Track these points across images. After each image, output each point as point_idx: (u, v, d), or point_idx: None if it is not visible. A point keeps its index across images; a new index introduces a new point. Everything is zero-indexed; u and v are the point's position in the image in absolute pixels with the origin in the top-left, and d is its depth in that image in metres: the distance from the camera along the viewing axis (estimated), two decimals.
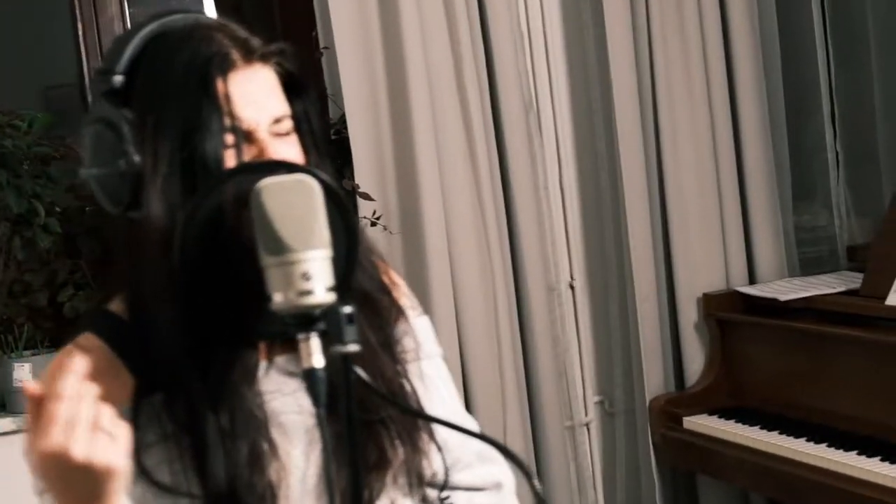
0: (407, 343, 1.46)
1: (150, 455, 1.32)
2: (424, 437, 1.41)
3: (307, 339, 1.19)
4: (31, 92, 4.01)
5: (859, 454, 2.65)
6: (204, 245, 1.24)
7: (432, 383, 1.49)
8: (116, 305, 1.40)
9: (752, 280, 3.37)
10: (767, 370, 3.12)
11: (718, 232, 3.35)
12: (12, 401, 3.05)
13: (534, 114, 3.31)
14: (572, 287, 3.43)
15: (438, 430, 1.43)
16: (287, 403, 1.37)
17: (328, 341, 1.18)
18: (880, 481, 2.54)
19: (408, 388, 1.42)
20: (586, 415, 3.45)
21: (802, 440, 2.80)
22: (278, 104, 1.35)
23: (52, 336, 3.20)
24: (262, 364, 1.38)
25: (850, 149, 3.53)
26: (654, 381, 3.32)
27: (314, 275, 1.19)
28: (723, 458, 3.02)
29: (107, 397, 1.27)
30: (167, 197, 1.29)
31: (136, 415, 1.32)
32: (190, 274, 1.24)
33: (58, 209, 3.23)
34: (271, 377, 1.38)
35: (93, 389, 1.15)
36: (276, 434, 1.35)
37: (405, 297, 1.52)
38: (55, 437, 1.14)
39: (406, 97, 3.06)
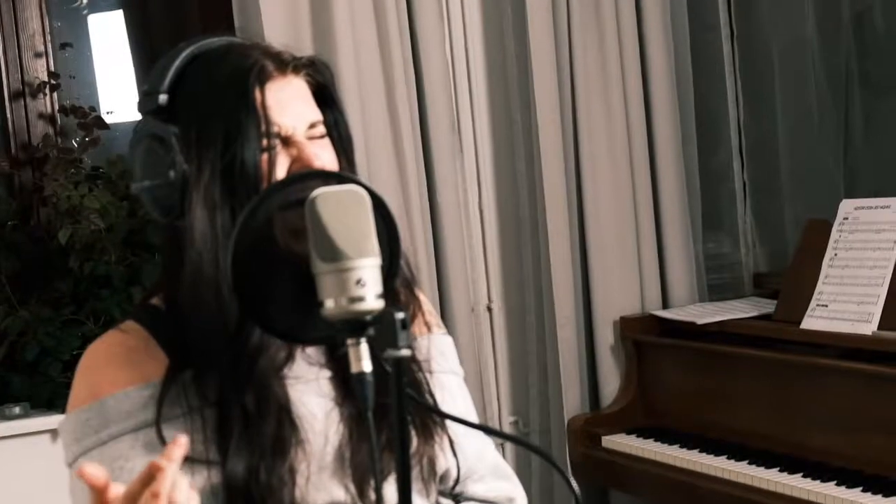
0: (429, 353, 1.53)
1: (174, 427, 1.40)
2: (438, 430, 1.47)
3: (357, 344, 1.24)
4: None
5: (781, 471, 2.77)
6: (254, 251, 1.28)
7: (451, 396, 1.55)
8: (157, 301, 1.50)
9: (665, 305, 3.50)
10: (683, 391, 3.24)
11: (634, 257, 3.47)
12: None
13: (456, 135, 3.39)
14: (490, 309, 3.51)
15: (456, 438, 1.49)
16: (310, 387, 1.46)
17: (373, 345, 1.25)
18: (804, 496, 2.66)
19: (424, 385, 1.48)
20: None
21: (723, 458, 2.92)
22: (312, 111, 1.45)
23: None
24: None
25: (755, 180, 3.69)
26: (572, 401, 3.41)
27: (367, 282, 1.24)
28: (641, 475, 3.12)
29: (138, 371, 1.42)
30: (208, 201, 1.38)
31: (166, 389, 1.41)
32: (238, 277, 1.28)
33: None
34: (298, 364, 1.47)
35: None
36: (295, 415, 1.43)
37: (429, 313, 1.61)
38: None
39: None
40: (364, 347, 1.24)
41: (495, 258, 3.51)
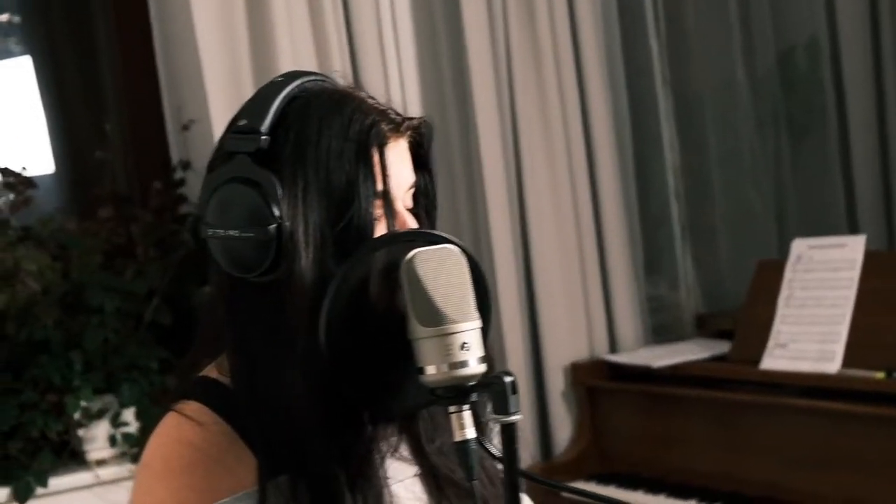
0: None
1: None
2: None
3: (459, 411, 1.19)
4: None
5: None
6: (350, 317, 1.20)
7: None
8: (215, 373, 1.33)
9: (613, 348, 3.49)
10: (638, 435, 3.23)
11: (582, 303, 3.46)
12: None
13: None
14: None
15: None
16: (405, 490, 1.33)
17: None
18: None
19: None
20: None
21: (693, 502, 2.91)
22: (411, 175, 1.34)
23: None
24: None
25: (692, 223, 3.72)
26: (524, 451, 3.35)
27: (472, 346, 1.18)
28: None
29: (230, 477, 1.25)
30: (321, 267, 1.23)
31: (262, 499, 1.24)
32: (334, 346, 1.20)
33: None
34: (389, 462, 1.32)
35: None
36: None
37: None
38: None
39: None
40: (467, 414, 1.19)
41: None
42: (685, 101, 3.72)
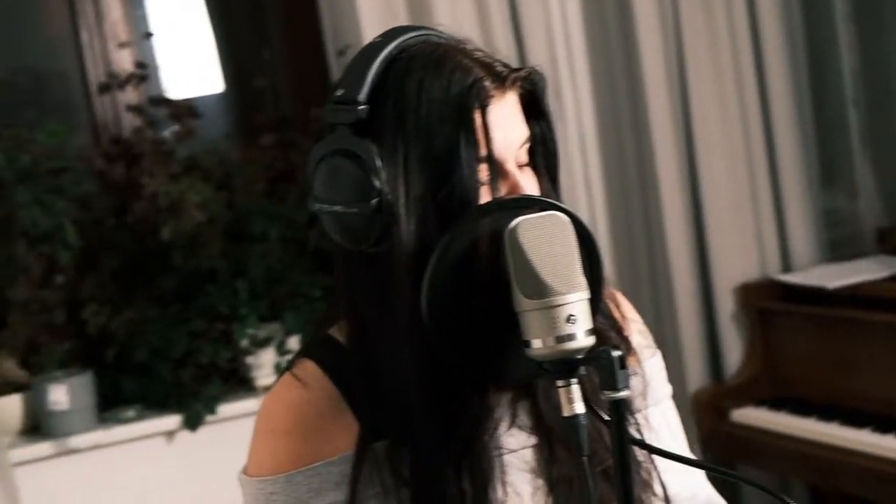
0: (636, 388, 1.34)
1: None
2: (654, 480, 1.34)
3: (567, 385, 1.14)
4: None
5: None
6: (453, 287, 1.16)
7: (657, 435, 1.39)
8: (338, 332, 1.31)
9: (786, 266, 3.35)
10: (812, 359, 3.10)
11: (752, 220, 3.33)
12: (49, 424, 2.94)
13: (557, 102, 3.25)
14: None
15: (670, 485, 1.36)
16: (513, 460, 1.28)
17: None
18: None
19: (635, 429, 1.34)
20: None
21: (867, 430, 2.79)
22: (523, 129, 1.26)
23: (80, 355, 3.09)
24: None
25: (872, 130, 3.52)
26: (693, 374, 3.29)
27: (578, 318, 1.13)
28: (774, 450, 3.00)
29: (328, 441, 1.26)
30: (423, 238, 1.19)
31: (358, 470, 1.24)
32: (437, 316, 1.16)
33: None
34: (505, 432, 1.28)
35: None
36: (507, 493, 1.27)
37: (639, 333, 1.42)
38: None
39: None
40: (575, 388, 1.13)
41: (605, 230, 3.34)
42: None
